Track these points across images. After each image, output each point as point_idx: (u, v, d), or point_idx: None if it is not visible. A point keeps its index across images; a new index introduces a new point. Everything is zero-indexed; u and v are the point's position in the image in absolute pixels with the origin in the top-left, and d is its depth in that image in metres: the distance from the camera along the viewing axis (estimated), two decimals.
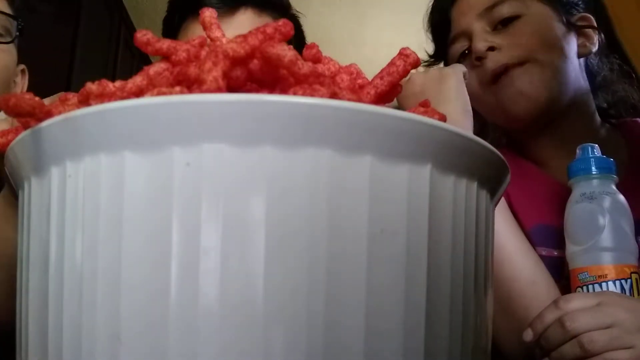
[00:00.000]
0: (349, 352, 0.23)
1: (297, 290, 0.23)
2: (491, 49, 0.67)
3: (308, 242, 0.23)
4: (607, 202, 0.56)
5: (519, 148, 0.75)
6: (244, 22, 0.72)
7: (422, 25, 0.79)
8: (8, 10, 0.75)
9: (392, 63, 0.31)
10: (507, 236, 0.59)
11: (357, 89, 0.30)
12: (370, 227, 0.24)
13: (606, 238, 0.55)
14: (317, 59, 0.32)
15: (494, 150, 0.29)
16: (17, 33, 0.75)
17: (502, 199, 0.63)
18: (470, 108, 0.63)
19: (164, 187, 0.24)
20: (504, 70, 0.66)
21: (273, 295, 0.23)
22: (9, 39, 0.74)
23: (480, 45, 0.67)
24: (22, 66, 0.79)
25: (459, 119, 0.61)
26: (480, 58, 0.68)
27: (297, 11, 0.82)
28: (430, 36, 0.79)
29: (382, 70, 0.31)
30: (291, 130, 0.23)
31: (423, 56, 0.81)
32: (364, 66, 0.36)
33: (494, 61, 0.67)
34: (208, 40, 0.33)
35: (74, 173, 0.26)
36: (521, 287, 0.57)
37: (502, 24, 0.68)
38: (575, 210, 0.58)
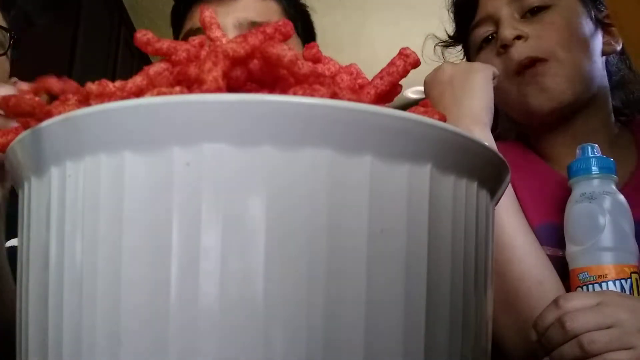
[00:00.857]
0: (348, 351, 0.23)
1: (297, 289, 0.23)
2: (518, 37, 0.65)
3: (308, 242, 0.23)
4: (607, 202, 0.56)
5: (528, 142, 0.73)
6: (248, 4, 0.71)
7: (444, 5, 0.77)
8: (3, 23, 0.74)
9: (392, 63, 0.31)
10: (517, 235, 0.59)
11: (357, 89, 0.30)
12: (370, 227, 0.24)
13: (606, 238, 0.55)
14: (317, 59, 0.32)
15: (494, 150, 0.29)
16: (10, 44, 0.74)
17: (514, 195, 0.63)
18: (492, 106, 0.62)
19: (163, 187, 0.24)
20: (530, 64, 0.65)
21: (273, 295, 0.23)
22: (0, 51, 0.73)
23: (507, 32, 0.65)
24: (15, 79, 0.78)
25: (479, 115, 0.60)
26: (506, 46, 0.66)
27: (307, 7, 0.82)
28: (451, 15, 0.76)
29: (382, 70, 0.31)
30: (291, 130, 0.23)
31: (442, 36, 0.80)
32: (364, 66, 0.36)
33: (519, 51, 0.65)
34: (208, 40, 0.33)
35: (74, 173, 0.26)
36: (528, 286, 0.57)
37: (531, 13, 0.66)
38: (575, 210, 0.58)
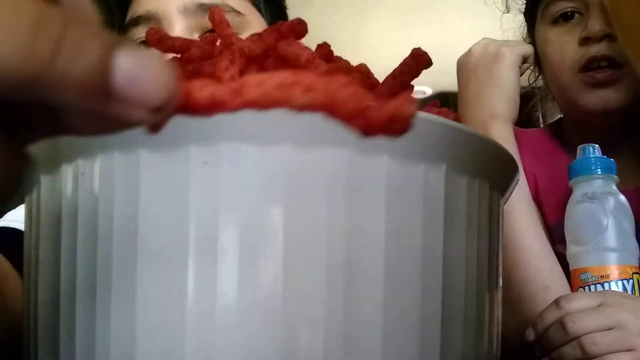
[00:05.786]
0: (366, 351, 0.23)
1: (315, 288, 0.23)
2: (608, 36, 0.58)
3: (326, 241, 0.23)
4: (609, 202, 0.56)
5: (558, 131, 0.71)
6: None
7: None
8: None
9: (404, 63, 0.30)
10: (525, 237, 0.58)
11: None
12: (387, 226, 0.24)
13: (609, 238, 0.55)
14: (328, 59, 0.32)
15: (506, 151, 0.29)
16: None
17: (526, 195, 0.61)
18: (516, 96, 0.59)
19: (180, 186, 0.23)
20: (602, 60, 0.59)
21: (291, 295, 0.23)
22: None
23: (598, 27, 0.58)
24: None
25: (499, 108, 0.58)
26: (588, 39, 0.59)
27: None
28: None
29: (394, 70, 0.30)
30: (309, 130, 0.23)
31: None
32: None
33: (600, 50, 0.59)
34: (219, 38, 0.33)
35: (87, 171, 0.25)
36: (533, 290, 0.56)
37: None
38: (577, 211, 0.57)
